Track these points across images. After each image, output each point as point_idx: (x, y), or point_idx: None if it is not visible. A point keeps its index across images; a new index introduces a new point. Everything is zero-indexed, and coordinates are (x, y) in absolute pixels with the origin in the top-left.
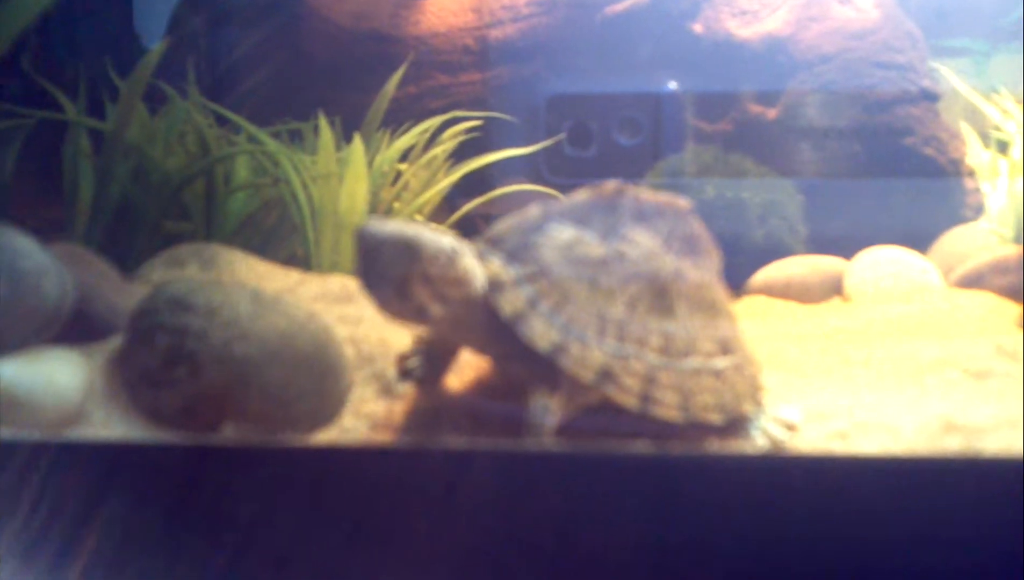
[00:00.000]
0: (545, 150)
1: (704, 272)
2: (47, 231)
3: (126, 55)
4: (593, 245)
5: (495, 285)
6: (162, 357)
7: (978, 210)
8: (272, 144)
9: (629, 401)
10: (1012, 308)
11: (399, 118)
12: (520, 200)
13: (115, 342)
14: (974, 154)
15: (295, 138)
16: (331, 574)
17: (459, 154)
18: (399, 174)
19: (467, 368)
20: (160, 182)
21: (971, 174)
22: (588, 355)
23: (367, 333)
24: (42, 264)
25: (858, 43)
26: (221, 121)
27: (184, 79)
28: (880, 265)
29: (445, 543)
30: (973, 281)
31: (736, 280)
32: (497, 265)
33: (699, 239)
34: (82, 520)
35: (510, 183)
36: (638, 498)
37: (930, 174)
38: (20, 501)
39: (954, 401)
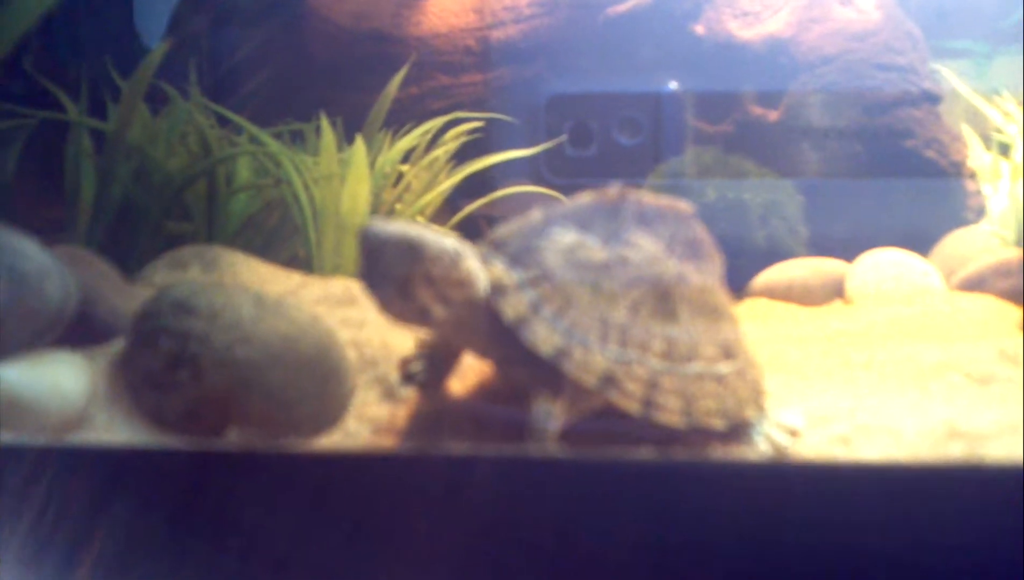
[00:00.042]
0: (545, 150)
1: (706, 276)
2: (49, 231)
3: (127, 54)
4: (596, 249)
5: (498, 289)
6: (165, 360)
7: (979, 213)
8: (274, 145)
9: (632, 406)
10: (1014, 311)
11: (401, 119)
12: (521, 201)
13: (118, 345)
14: (975, 156)
15: (297, 139)
16: (334, 578)
17: (461, 155)
18: (401, 175)
19: (470, 372)
20: (162, 183)
21: (972, 176)
22: (591, 360)
23: (370, 336)
24: (45, 266)
25: (859, 44)
26: (223, 122)
27: (186, 80)
28: (881, 268)
29: (447, 548)
30: (975, 284)
31: (737, 282)
32: (500, 269)
33: (701, 243)
34: (85, 525)
35: (511, 184)
36: (640, 504)
37: (931, 176)
38: (23, 505)
39: (957, 406)
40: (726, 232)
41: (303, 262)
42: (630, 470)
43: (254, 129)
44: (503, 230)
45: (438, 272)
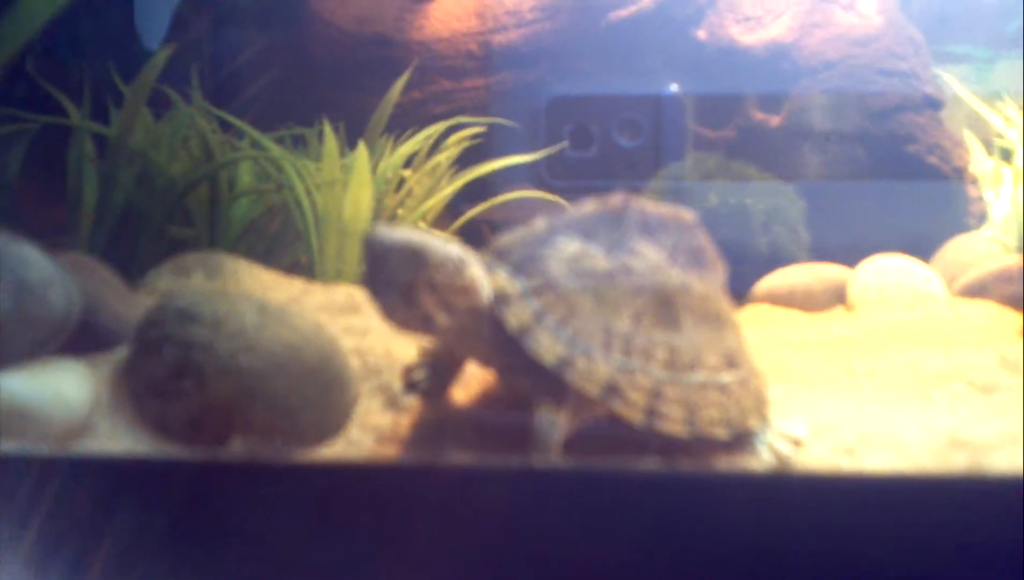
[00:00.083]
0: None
1: (709, 285)
2: (51, 234)
3: (128, 57)
4: (599, 258)
5: (501, 298)
6: (168, 369)
7: (981, 218)
8: (276, 149)
9: (635, 416)
10: (1015, 318)
11: (403, 123)
12: (523, 205)
13: (121, 353)
14: (977, 162)
15: (298, 143)
16: None
17: (463, 159)
18: (403, 181)
19: (473, 381)
20: (164, 187)
21: (974, 182)
22: (594, 369)
23: (373, 345)
24: (48, 274)
25: (861, 50)
26: (225, 126)
27: (188, 84)
28: (883, 273)
29: (451, 558)
30: (976, 290)
31: (740, 287)
32: (503, 277)
33: (704, 252)
34: (88, 534)
35: (512, 188)
36: (644, 515)
37: (933, 181)
38: (26, 514)
39: (960, 415)
40: (728, 237)
41: (305, 268)
42: (634, 481)
43: (256, 134)
44: (507, 238)
45: (442, 279)
